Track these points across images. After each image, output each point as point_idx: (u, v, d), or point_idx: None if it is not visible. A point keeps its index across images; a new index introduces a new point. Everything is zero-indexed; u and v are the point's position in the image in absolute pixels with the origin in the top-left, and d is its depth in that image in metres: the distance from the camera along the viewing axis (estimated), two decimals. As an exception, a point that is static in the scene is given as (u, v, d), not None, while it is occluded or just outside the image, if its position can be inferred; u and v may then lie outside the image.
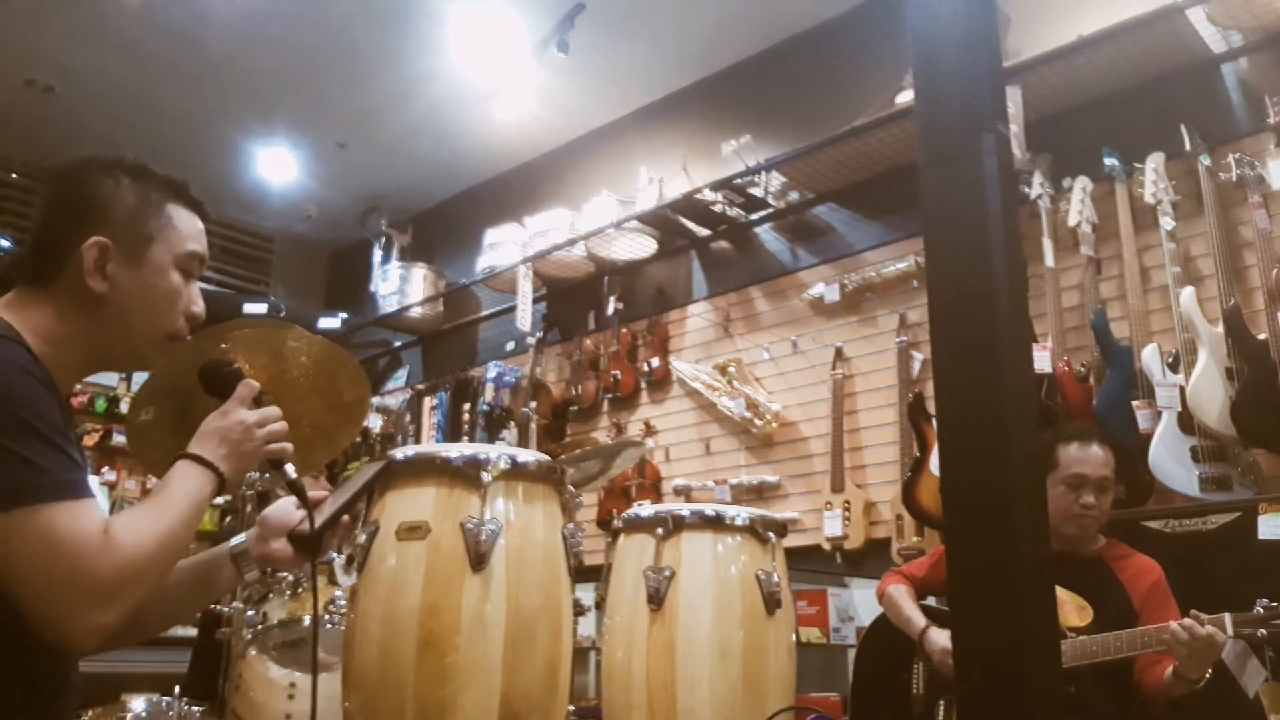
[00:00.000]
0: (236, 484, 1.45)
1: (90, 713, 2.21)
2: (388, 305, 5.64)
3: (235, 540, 1.57)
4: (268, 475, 2.07)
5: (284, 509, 1.58)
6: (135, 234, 1.36)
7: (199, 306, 1.44)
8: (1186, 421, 2.84)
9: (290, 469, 1.49)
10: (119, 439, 5.58)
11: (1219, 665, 2.18)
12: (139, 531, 1.22)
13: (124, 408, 5.53)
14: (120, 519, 1.23)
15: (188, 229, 1.42)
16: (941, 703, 2.53)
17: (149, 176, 1.41)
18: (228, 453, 1.39)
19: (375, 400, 5.65)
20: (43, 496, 1.15)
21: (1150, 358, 2.94)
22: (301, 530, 1.54)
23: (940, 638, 2.51)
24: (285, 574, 2.40)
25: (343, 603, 2.33)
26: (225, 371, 1.49)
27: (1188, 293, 2.90)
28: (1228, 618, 2.11)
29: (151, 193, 1.39)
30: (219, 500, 1.43)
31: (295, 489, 1.50)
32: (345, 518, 1.60)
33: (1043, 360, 3.08)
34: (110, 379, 5.76)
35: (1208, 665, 2.13)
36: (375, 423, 5.55)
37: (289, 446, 1.48)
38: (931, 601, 2.74)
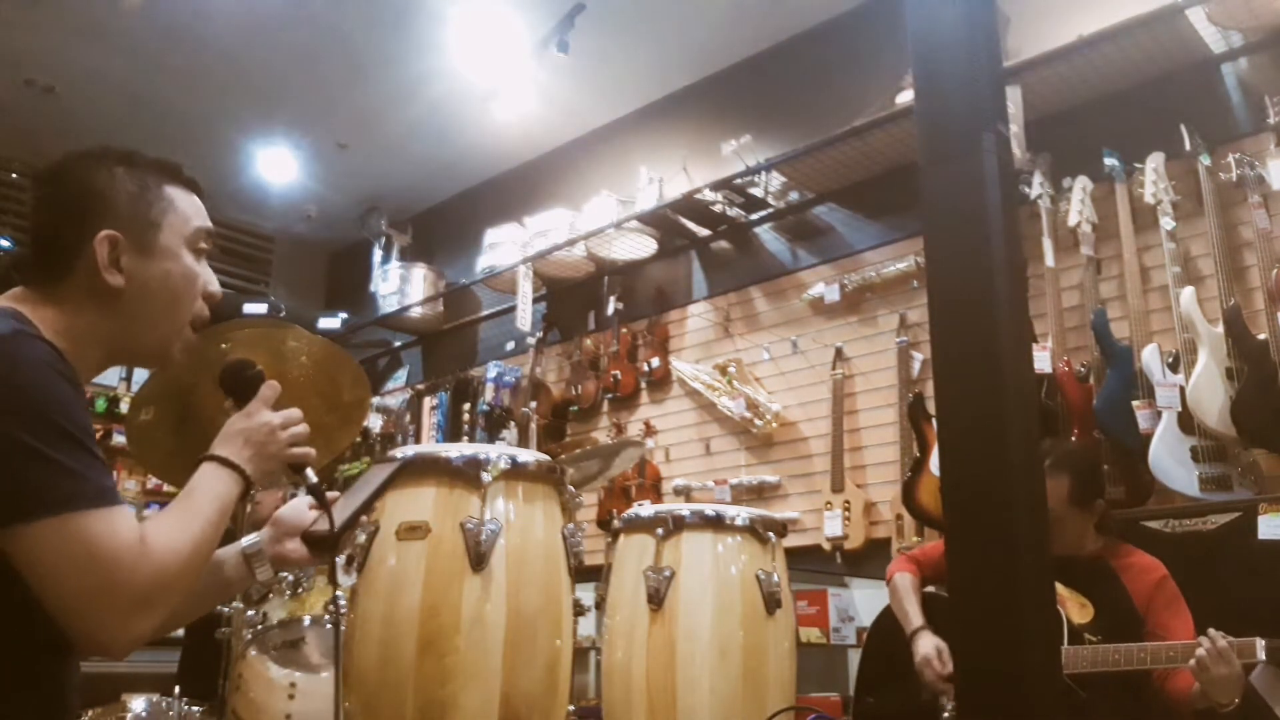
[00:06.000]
0: (260, 486, 1.43)
1: (90, 713, 2.21)
2: (388, 305, 5.63)
3: (248, 540, 1.56)
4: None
5: (298, 509, 1.58)
6: (141, 222, 1.33)
7: (215, 286, 1.42)
8: (1186, 421, 2.84)
9: (311, 474, 1.47)
10: (119, 439, 5.58)
11: (1249, 688, 2.14)
12: (172, 538, 1.20)
13: (124, 408, 5.52)
14: (153, 525, 1.21)
15: (190, 208, 1.40)
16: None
17: (141, 163, 1.37)
18: (253, 454, 1.37)
19: (375, 400, 5.66)
20: (80, 504, 1.11)
21: (1150, 358, 2.94)
22: (317, 531, 1.54)
23: (924, 644, 2.49)
24: (285, 574, 2.40)
25: (343, 603, 2.33)
26: (249, 374, 1.47)
27: (1188, 293, 2.90)
28: (1259, 642, 2.04)
29: (148, 178, 1.36)
30: None
31: (315, 493, 1.48)
32: (363, 517, 1.60)
33: (1043, 360, 3.08)
34: (110, 379, 5.76)
35: (1236, 692, 2.06)
36: (375, 423, 5.56)
37: (312, 451, 1.47)
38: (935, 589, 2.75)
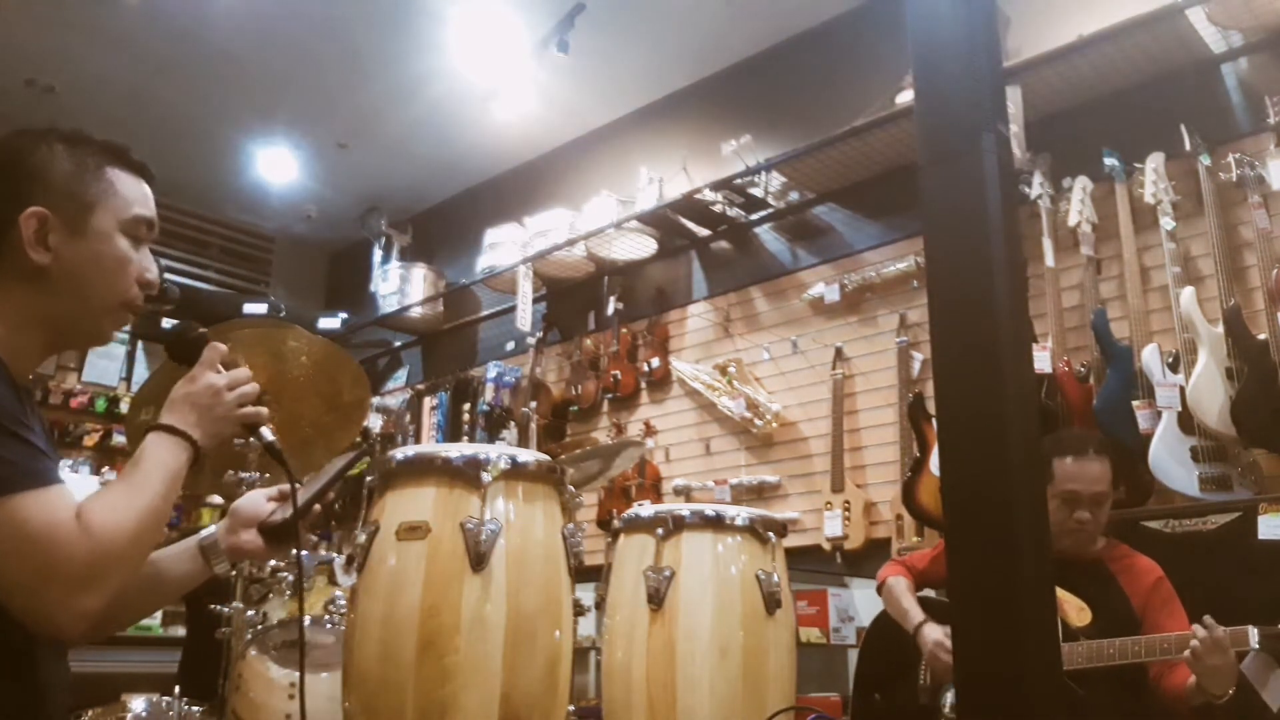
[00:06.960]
0: (213, 451, 1.39)
1: (90, 713, 2.21)
2: (388, 305, 5.64)
3: (204, 532, 1.53)
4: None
5: (254, 500, 1.55)
6: (75, 202, 1.30)
7: (152, 273, 1.38)
8: (1186, 421, 2.84)
9: (267, 432, 1.43)
10: (119, 439, 5.58)
11: (1241, 677, 2.14)
12: (113, 511, 1.19)
13: (124, 408, 5.52)
14: (92, 501, 1.19)
15: (131, 193, 1.36)
16: (948, 694, 2.53)
17: (84, 142, 1.35)
18: (198, 419, 1.34)
19: (375, 400, 5.65)
20: (9, 487, 1.11)
21: (1150, 358, 2.94)
22: (273, 521, 1.51)
23: (933, 633, 2.51)
24: (285, 574, 2.40)
25: (342, 603, 2.33)
26: (191, 337, 1.42)
27: (1188, 293, 2.90)
28: (1253, 631, 2.05)
29: (88, 158, 1.33)
30: (217, 499, 1.40)
31: (273, 453, 1.44)
32: (316, 506, 1.57)
33: (1043, 360, 3.08)
34: (111, 379, 5.76)
35: (1230, 683, 2.06)
36: (375, 423, 5.55)
37: (264, 410, 1.43)
38: (930, 594, 2.74)
